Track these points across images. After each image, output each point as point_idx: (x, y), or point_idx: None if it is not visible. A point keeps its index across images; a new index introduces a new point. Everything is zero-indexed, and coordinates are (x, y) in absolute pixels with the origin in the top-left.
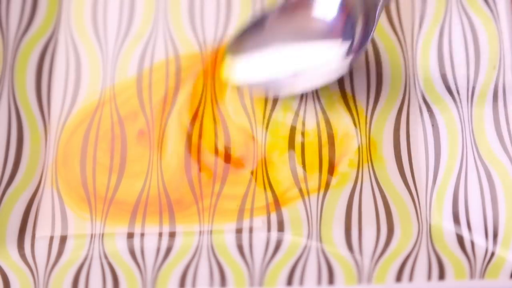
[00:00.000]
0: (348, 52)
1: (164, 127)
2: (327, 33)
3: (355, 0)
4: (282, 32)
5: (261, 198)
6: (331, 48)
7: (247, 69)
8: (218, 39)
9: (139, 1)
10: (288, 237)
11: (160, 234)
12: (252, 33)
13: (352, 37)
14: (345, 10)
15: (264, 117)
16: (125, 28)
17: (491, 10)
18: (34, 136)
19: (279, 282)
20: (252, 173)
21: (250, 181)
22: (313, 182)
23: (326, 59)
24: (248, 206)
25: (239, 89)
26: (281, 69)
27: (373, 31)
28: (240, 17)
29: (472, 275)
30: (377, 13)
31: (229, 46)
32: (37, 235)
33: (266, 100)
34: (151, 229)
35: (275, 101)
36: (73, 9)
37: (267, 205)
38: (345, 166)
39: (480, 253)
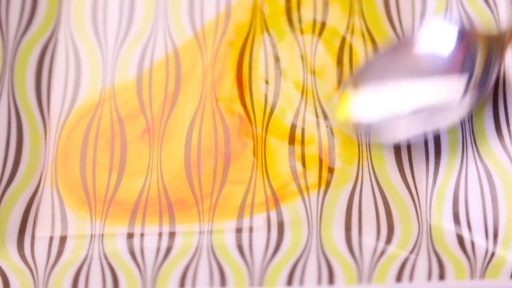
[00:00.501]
0: (467, 88)
1: (164, 127)
2: (444, 69)
3: (476, 34)
4: (397, 70)
5: (260, 192)
6: (448, 85)
7: (365, 107)
8: (218, 39)
9: (139, 1)
10: (288, 237)
11: (160, 234)
12: (371, 70)
13: (471, 71)
14: (464, 45)
15: (264, 116)
16: (125, 28)
17: (491, 10)
18: (34, 136)
19: (279, 282)
20: (251, 168)
21: (250, 177)
22: (312, 178)
23: (445, 96)
24: (248, 202)
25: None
26: (399, 108)
27: (498, 68)
28: (239, 16)
29: (472, 275)
30: (503, 49)
31: (347, 84)
32: (37, 235)
33: (266, 100)
34: (151, 229)
35: (275, 100)
36: (73, 8)
37: (267, 201)
38: (345, 165)
39: (480, 253)
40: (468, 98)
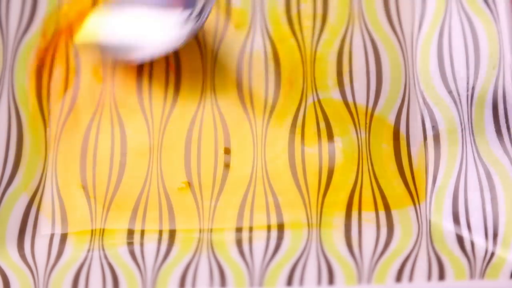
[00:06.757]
0: (187, 21)
1: (164, 125)
2: (168, 2)
3: None
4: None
5: (261, 195)
6: (170, 17)
7: (107, 29)
8: (219, 36)
9: None
10: (288, 237)
11: (160, 234)
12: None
13: (193, 6)
14: None
15: (264, 115)
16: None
17: (491, 10)
18: (34, 136)
19: (279, 282)
20: (252, 168)
21: (250, 176)
22: (312, 179)
23: (165, 28)
24: (249, 201)
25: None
26: (126, 34)
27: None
28: (239, 14)
29: (472, 275)
30: None
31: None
32: (37, 235)
33: (266, 100)
34: (151, 229)
35: (275, 100)
36: None
37: (267, 202)
38: (345, 165)
39: (480, 253)
40: (185, 30)
